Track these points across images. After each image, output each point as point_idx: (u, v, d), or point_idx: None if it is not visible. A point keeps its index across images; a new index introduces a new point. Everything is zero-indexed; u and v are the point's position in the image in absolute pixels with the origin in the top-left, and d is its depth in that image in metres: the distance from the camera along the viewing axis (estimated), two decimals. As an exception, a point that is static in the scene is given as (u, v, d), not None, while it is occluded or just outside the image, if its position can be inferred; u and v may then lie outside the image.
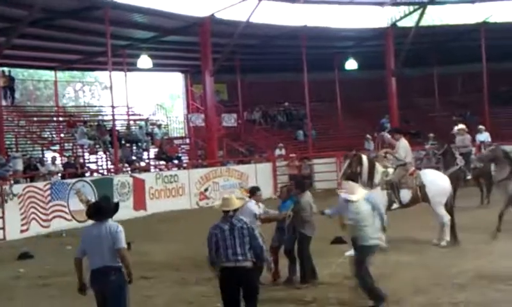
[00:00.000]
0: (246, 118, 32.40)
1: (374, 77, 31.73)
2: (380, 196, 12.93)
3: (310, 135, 29.67)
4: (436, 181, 13.12)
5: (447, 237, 12.74)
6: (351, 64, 31.79)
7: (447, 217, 12.81)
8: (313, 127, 30.40)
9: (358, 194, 8.97)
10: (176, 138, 31.53)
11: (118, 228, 6.92)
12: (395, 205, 13.14)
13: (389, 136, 14.49)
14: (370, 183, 13.06)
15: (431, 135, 26.77)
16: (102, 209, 7.01)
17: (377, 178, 13.10)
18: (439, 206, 12.91)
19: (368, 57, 30.86)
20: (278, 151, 27.71)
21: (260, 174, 25.11)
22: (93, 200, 19.56)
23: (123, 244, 6.90)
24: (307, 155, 27.21)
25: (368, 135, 28.62)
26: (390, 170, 13.31)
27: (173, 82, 40.52)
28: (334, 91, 32.23)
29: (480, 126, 25.31)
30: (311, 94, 28.09)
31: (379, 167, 13.27)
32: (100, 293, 6.88)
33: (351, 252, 12.28)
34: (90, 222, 7.19)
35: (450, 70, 34.03)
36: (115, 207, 7.17)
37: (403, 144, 13.69)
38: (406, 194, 13.09)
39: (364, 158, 13.31)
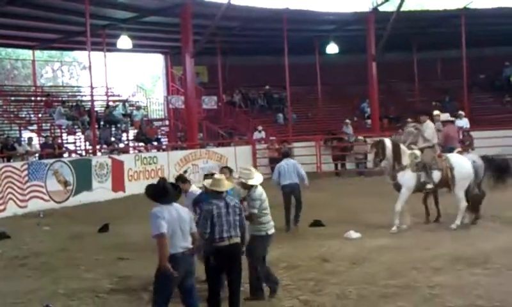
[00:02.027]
0: (226, 100, 32.32)
1: (354, 61, 31.73)
2: (410, 177, 12.96)
3: (290, 118, 29.69)
4: (463, 165, 13.18)
5: (458, 221, 12.89)
6: (332, 48, 31.75)
7: (464, 203, 12.99)
8: (293, 111, 30.41)
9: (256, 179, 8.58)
10: (156, 120, 31.40)
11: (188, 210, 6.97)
12: (429, 186, 13.10)
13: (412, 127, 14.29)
14: (398, 166, 12.99)
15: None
16: (170, 191, 6.73)
17: (406, 160, 13.03)
18: (461, 189, 13.03)
19: (350, 41, 30.84)
20: (257, 134, 27.70)
21: (239, 156, 25.09)
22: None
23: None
24: (287, 138, 27.24)
25: (347, 120, 28.62)
26: (417, 152, 13.18)
27: (154, 64, 40.29)
28: (315, 75, 32.22)
29: (460, 112, 25.50)
30: (291, 78, 28.05)
31: (405, 149, 13.17)
32: (181, 276, 6.61)
33: (353, 234, 12.38)
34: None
35: (430, 56, 34.17)
36: (177, 189, 6.95)
37: (431, 125, 13.64)
38: (436, 176, 13.08)
39: (387, 142, 13.22)
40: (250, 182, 8.44)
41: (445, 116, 15.32)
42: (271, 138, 27.31)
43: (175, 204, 6.73)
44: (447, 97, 32.30)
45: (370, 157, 13.60)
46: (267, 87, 33.02)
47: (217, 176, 7.79)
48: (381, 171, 13.85)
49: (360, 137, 26.97)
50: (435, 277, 9.05)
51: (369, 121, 30.75)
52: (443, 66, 34.90)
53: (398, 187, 13.21)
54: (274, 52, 29.98)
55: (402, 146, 13.25)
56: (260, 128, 28.09)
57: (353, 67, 31.94)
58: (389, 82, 33.36)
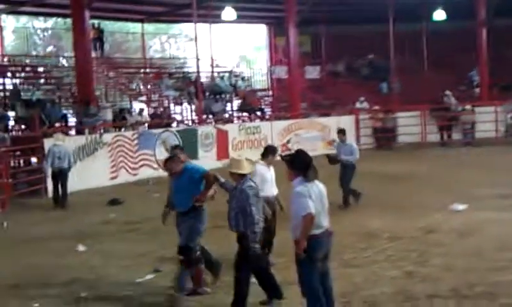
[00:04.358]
0: (329, 70, 32.13)
1: (463, 27, 30.61)
2: None
3: (395, 88, 29.12)
4: None
5: None
6: (440, 15, 30.77)
7: None
8: (397, 80, 29.81)
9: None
10: (260, 90, 31.69)
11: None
12: None
13: None
14: None
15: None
16: (315, 168, 6.23)
17: None
18: None
19: (458, 7, 29.72)
20: (358, 105, 27.41)
21: (342, 126, 24.94)
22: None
23: None
24: (391, 108, 26.79)
25: (447, 92, 27.26)
26: None
27: (257, 34, 40.54)
28: (420, 43, 31.38)
29: None
30: (396, 46, 27.48)
31: None
32: (322, 257, 6.15)
33: (459, 206, 12.11)
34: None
35: (545, 21, 32.41)
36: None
37: None
38: None
39: None
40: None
41: None
42: (375, 108, 26.95)
43: (316, 182, 6.24)
44: None
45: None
46: (371, 56, 32.50)
47: (236, 156, 7.37)
48: None
49: (468, 106, 26.07)
50: (546, 252, 8.76)
51: (478, 90, 29.66)
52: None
53: None
54: (379, 20, 29.38)
55: None
56: (362, 98, 27.74)
57: (461, 34, 30.81)
58: (500, 49, 31.94)
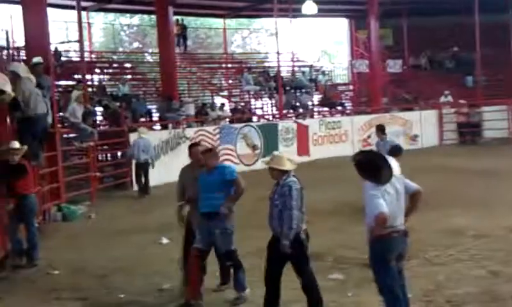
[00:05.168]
0: (411, 63, 31.53)
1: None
2: None
3: (480, 81, 28.25)
4: None
5: None
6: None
7: None
8: (483, 73, 28.89)
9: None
10: (340, 84, 31.48)
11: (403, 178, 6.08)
12: None
13: None
14: None
15: None
16: (386, 171, 5.81)
17: None
18: None
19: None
20: (443, 99, 26.77)
21: (425, 121, 24.51)
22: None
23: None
24: (476, 103, 26.03)
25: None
26: None
27: (338, 28, 40.23)
28: (507, 34, 30.27)
29: None
30: (482, 38, 26.63)
31: None
32: (395, 257, 5.95)
33: None
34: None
35: None
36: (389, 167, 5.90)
37: None
38: None
39: None
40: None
41: None
42: (460, 101, 26.26)
43: (393, 181, 5.86)
44: None
45: None
46: (455, 48, 31.65)
47: (277, 153, 7.05)
48: None
49: None
50: None
51: None
52: None
53: None
54: (463, 11, 28.54)
55: None
56: (446, 92, 27.07)
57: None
58: None
